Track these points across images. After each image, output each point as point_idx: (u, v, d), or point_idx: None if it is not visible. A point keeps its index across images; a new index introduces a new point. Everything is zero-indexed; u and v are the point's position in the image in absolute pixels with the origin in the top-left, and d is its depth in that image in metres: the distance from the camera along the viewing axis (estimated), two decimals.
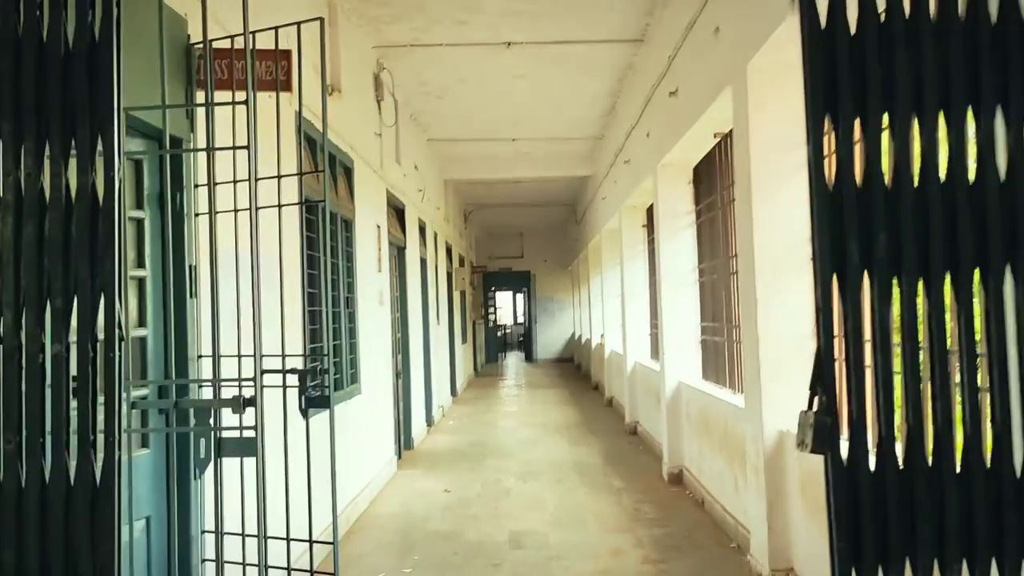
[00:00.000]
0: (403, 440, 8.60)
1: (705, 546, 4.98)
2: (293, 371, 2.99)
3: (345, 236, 6.29)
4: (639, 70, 7.85)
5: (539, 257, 23.16)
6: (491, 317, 23.68)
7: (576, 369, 19.75)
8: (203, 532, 3.14)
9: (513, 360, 23.97)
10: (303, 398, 2.97)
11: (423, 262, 10.48)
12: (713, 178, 6.29)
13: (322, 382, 3.12)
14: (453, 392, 13.67)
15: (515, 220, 20.87)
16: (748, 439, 4.22)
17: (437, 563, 4.79)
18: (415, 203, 9.82)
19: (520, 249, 23.30)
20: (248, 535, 3.03)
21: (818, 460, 1.81)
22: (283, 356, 3.01)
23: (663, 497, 6.30)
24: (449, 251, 13.89)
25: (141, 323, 3.01)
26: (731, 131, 5.51)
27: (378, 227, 7.43)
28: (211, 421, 2.71)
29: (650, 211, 9.26)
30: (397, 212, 8.90)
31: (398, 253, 8.84)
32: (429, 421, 10.48)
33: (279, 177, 2.99)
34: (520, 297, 26.70)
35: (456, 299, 14.67)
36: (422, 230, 10.50)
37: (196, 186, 3.24)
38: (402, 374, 8.69)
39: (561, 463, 7.83)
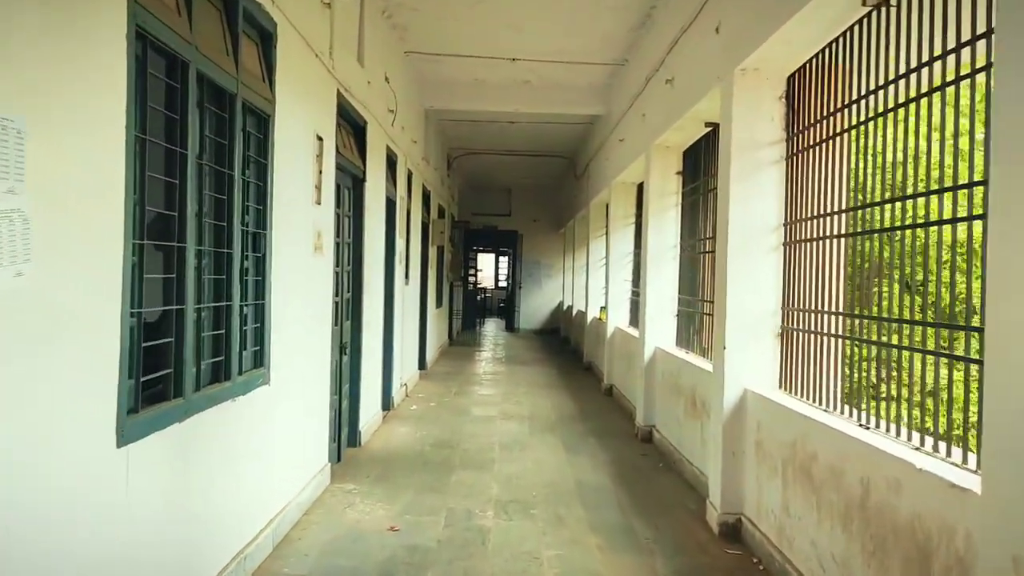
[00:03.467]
0: (346, 436, 6.39)
1: None
2: None
3: (255, 138, 4.01)
4: None
5: (528, 216, 20.88)
6: (470, 279, 21.44)
7: (563, 343, 17.60)
8: None
9: (492, 328, 21.76)
10: None
11: (391, 203, 8.18)
12: (827, 90, 4.09)
13: None
14: (422, 365, 11.47)
15: (504, 173, 18.51)
16: (971, 541, 2.08)
17: None
18: (383, 124, 7.49)
19: (508, 207, 20.97)
20: None
21: None
22: None
23: (718, 565, 4.17)
24: (427, 197, 11.57)
25: None
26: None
27: (319, 139, 5.14)
28: None
29: (689, 153, 7.04)
30: (355, 129, 6.58)
31: (353, 184, 6.54)
32: (387, 405, 8.29)
33: None
34: (504, 259, 24.43)
35: (432, 255, 12.37)
36: (391, 162, 8.18)
37: None
38: (349, 348, 6.46)
39: (558, 485, 5.68)
